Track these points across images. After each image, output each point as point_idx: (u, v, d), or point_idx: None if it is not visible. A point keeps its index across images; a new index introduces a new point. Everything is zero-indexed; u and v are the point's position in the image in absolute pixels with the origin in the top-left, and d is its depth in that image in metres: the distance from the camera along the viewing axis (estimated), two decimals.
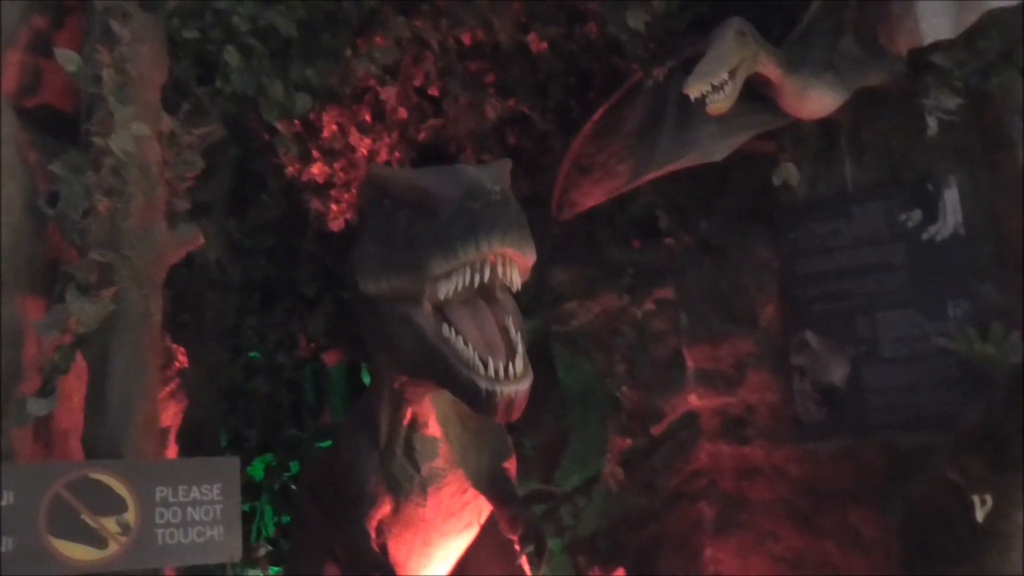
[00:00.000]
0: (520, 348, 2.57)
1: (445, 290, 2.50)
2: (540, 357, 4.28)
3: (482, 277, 2.45)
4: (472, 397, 2.56)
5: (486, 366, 2.50)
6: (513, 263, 2.47)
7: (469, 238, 2.38)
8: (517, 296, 3.68)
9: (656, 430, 3.92)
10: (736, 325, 3.77)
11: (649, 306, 3.98)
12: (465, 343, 2.55)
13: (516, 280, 2.54)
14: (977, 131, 3.46)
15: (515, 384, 2.51)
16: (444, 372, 2.59)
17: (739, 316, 3.77)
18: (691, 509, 3.80)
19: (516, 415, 2.61)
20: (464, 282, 2.47)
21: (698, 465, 3.81)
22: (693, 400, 3.83)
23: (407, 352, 2.70)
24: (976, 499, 2.35)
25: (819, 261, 3.67)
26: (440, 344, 2.57)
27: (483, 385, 2.50)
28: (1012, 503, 2.42)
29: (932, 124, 3.35)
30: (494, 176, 2.59)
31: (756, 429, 3.71)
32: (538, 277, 4.29)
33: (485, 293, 2.60)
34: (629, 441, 3.93)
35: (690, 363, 3.83)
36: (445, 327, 2.56)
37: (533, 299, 4.28)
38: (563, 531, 4.10)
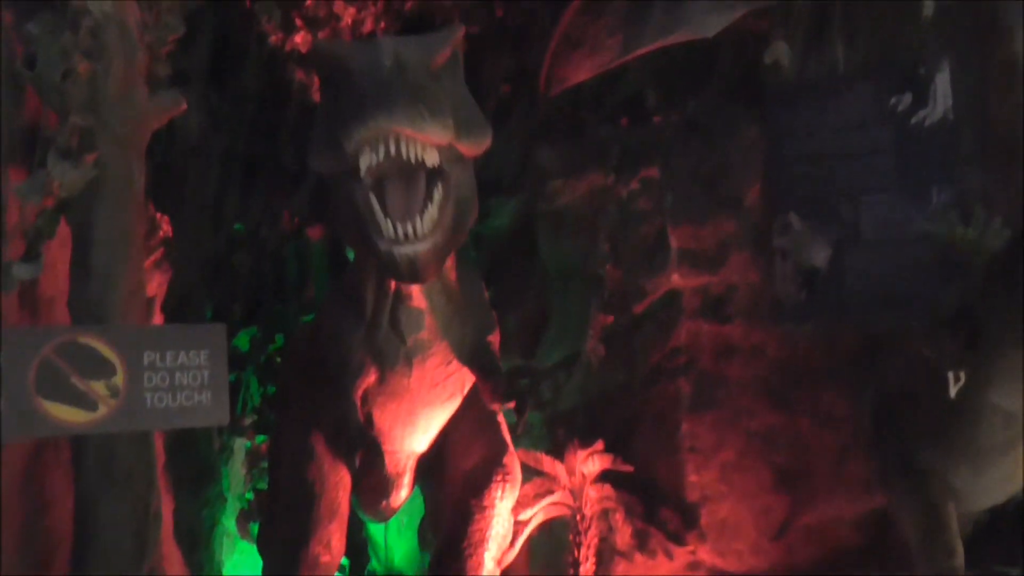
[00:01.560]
0: (431, 211, 2.64)
1: (364, 164, 2.58)
2: (524, 235, 4.29)
3: (388, 152, 2.51)
4: (380, 259, 2.70)
5: (395, 230, 2.62)
6: (415, 139, 2.51)
7: (358, 117, 2.45)
8: (500, 173, 3.70)
9: (638, 308, 3.97)
10: (720, 206, 3.77)
11: (634, 185, 3.97)
12: (385, 213, 2.64)
13: (429, 156, 2.59)
14: (971, 16, 3.40)
15: (413, 244, 2.62)
16: (365, 239, 2.70)
17: (724, 197, 3.77)
18: (670, 386, 3.87)
19: (425, 277, 2.74)
20: (377, 157, 2.54)
21: (678, 343, 3.86)
22: (675, 279, 3.85)
23: (345, 223, 2.79)
24: (951, 376, 2.42)
25: (806, 143, 3.65)
26: (364, 213, 2.65)
27: (383, 247, 2.64)
28: (985, 379, 2.49)
29: (928, 7, 3.29)
30: (420, 47, 2.60)
31: (736, 309, 3.76)
32: (523, 155, 4.27)
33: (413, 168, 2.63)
34: (611, 319, 3.98)
35: (674, 243, 3.84)
36: (372, 198, 2.64)
37: (518, 177, 4.26)
38: (544, 406, 4.20)
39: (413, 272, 2.75)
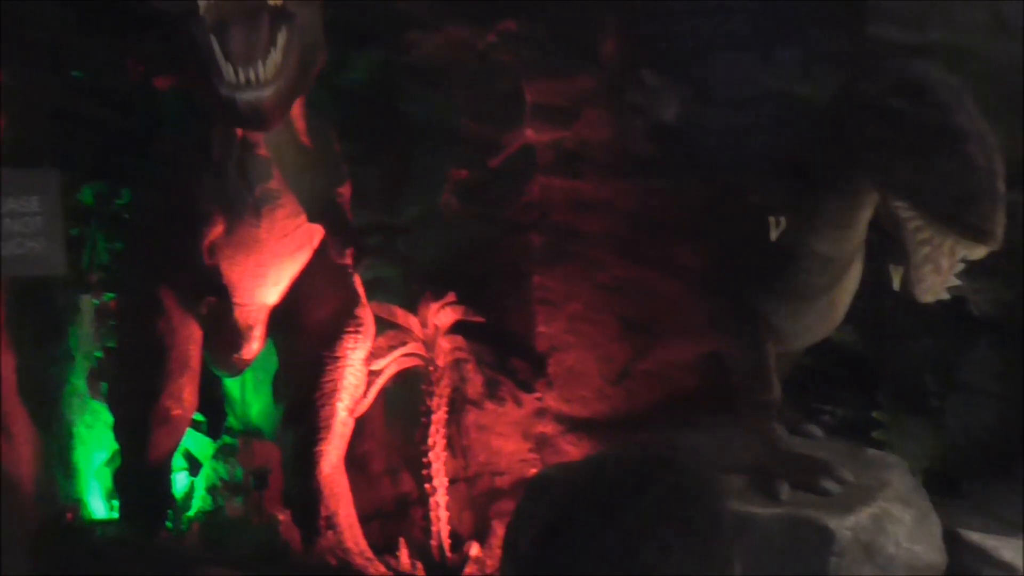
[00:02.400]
0: (274, 56, 2.60)
1: (203, 1, 2.51)
2: (383, 88, 4.21)
3: None
4: (222, 105, 2.63)
5: (236, 74, 2.56)
6: None
7: None
8: (357, 23, 3.58)
9: (493, 162, 3.98)
10: (577, 60, 3.76)
11: (492, 38, 3.91)
12: (226, 56, 2.57)
13: None
14: None
15: (256, 90, 2.57)
16: (207, 84, 2.63)
17: (580, 52, 3.76)
18: (523, 239, 3.94)
19: (269, 124, 2.71)
20: None
21: (531, 198, 3.90)
22: (530, 134, 3.86)
23: (187, 67, 2.73)
24: (772, 220, 2.54)
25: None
26: (205, 56, 2.59)
27: (224, 92, 2.58)
28: (806, 226, 2.63)
29: None
30: None
31: (589, 164, 3.81)
32: (381, 3, 4.14)
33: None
34: (465, 173, 3.99)
35: (528, 97, 3.83)
36: (213, 40, 2.57)
37: (374, 27, 4.14)
38: (401, 260, 4.22)
39: (256, 119, 2.70)
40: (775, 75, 3.35)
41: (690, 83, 3.58)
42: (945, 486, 3.14)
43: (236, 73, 2.57)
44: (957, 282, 2.38)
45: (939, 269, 2.35)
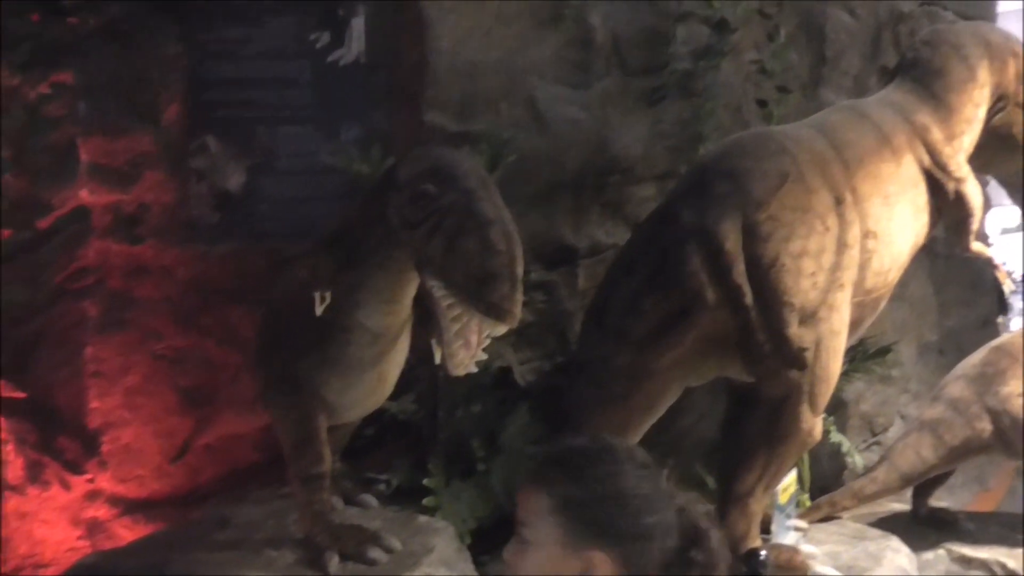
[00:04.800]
0: None
1: None
2: None
3: None
4: None
5: None
6: None
7: None
8: None
9: (43, 223, 3.66)
10: (137, 120, 3.61)
11: (45, 89, 3.64)
12: None
13: None
14: None
15: None
16: None
17: (141, 111, 3.61)
18: (75, 306, 3.65)
19: None
20: None
21: (86, 262, 3.64)
22: (84, 195, 3.62)
23: None
24: (317, 296, 2.58)
25: (228, 66, 3.64)
26: None
27: None
28: (353, 301, 2.70)
29: None
30: None
31: (148, 228, 3.64)
32: None
33: None
34: (8, 233, 3.63)
35: (84, 155, 3.59)
36: None
37: None
38: None
39: None
40: (335, 150, 3.44)
41: (252, 151, 3.58)
42: (491, 545, 3.34)
43: None
44: (484, 356, 2.56)
45: (469, 345, 2.51)
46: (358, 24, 3.65)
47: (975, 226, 3.59)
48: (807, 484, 4.27)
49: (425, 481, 3.29)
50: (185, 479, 3.69)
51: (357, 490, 3.31)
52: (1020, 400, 4.00)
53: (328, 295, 2.60)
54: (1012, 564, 3.89)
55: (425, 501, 3.26)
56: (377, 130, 3.59)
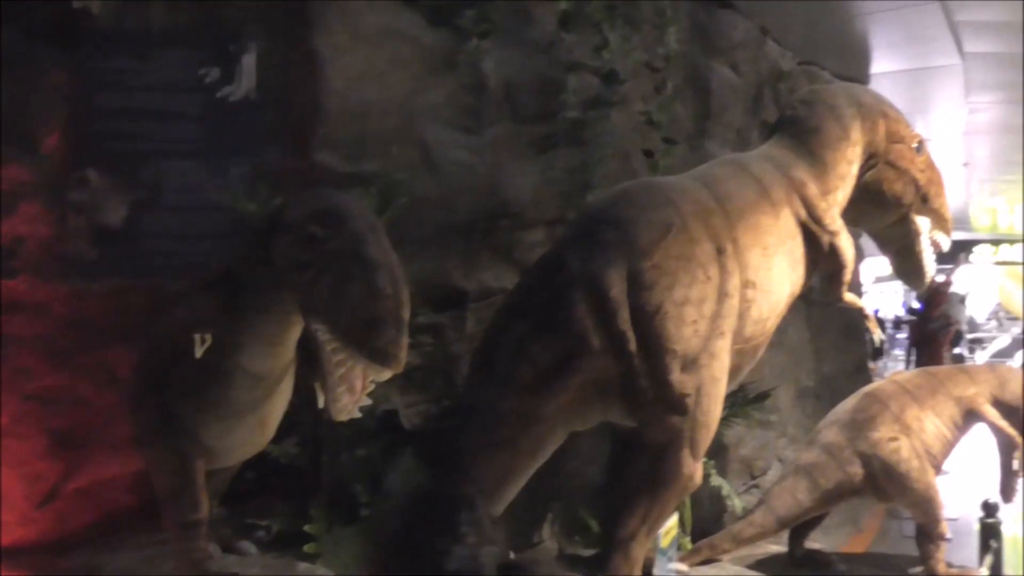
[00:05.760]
0: None
1: None
2: None
3: None
4: None
5: None
6: None
7: None
8: None
9: None
10: (14, 149, 3.47)
11: None
12: None
13: None
14: (283, 6, 3.63)
15: None
16: None
17: (19, 140, 3.47)
18: None
19: None
20: None
21: None
22: None
23: None
24: (197, 337, 2.53)
25: (114, 98, 3.55)
26: None
27: None
28: (235, 343, 2.65)
29: None
30: None
31: (23, 262, 3.49)
32: None
33: None
34: None
35: None
36: None
37: None
38: None
39: None
40: (221, 188, 3.38)
41: (136, 186, 3.49)
42: None
43: None
44: (368, 401, 2.55)
45: (353, 389, 2.50)
46: (249, 61, 3.61)
47: (848, 277, 3.76)
48: (688, 527, 4.36)
49: (306, 527, 3.23)
50: (53, 525, 3.51)
51: (236, 537, 3.23)
52: (889, 445, 4.18)
53: (209, 337, 2.55)
54: None
55: (306, 548, 3.20)
56: (266, 168, 3.54)
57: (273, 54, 3.65)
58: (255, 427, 2.86)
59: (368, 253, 2.43)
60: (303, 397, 2.95)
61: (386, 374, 2.47)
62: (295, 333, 2.72)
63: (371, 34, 3.67)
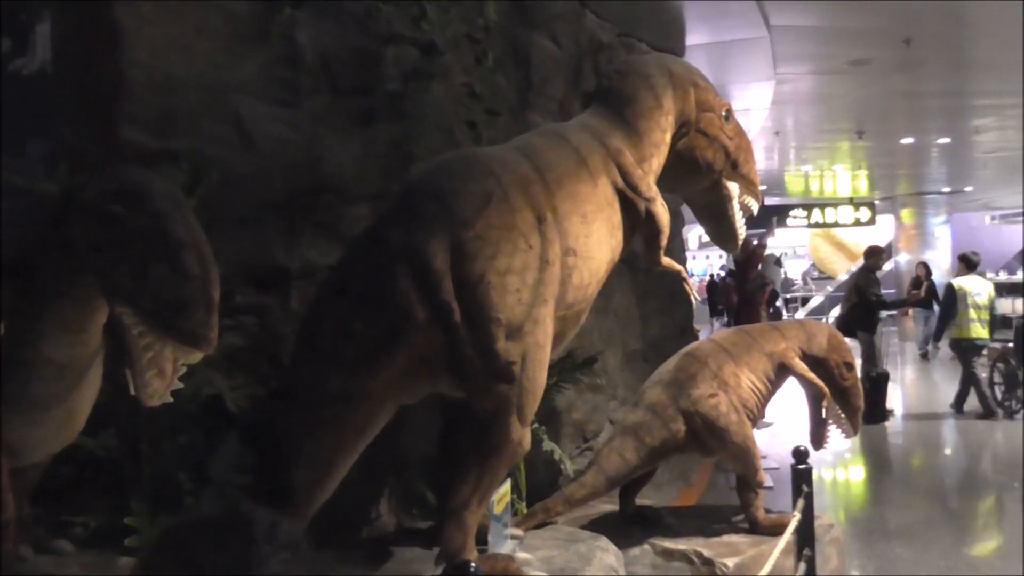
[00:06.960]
0: None
1: None
2: None
3: None
4: None
5: None
6: None
7: None
8: None
9: None
10: None
11: None
12: None
13: None
14: None
15: None
16: None
17: None
18: None
19: None
20: None
21: None
22: None
23: None
24: None
25: None
26: None
27: None
28: (36, 332, 2.50)
29: None
30: None
31: None
32: None
33: None
34: None
35: None
36: None
37: None
38: None
39: None
40: (17, 167, 3.16)
41: None
42: None
43: None
44: (180, 385, 2.46)
45: (163, 373, 2.40)
46: (43, 31, 3.38)
47: (664, 242, 3.89)
48: (524, 492, 4.44)
49: (127, 520, 3.09)
50: None
51: (50, 536, 3.06)
52: (709, 401, 4.37)
53: (3, 326, 2.39)
54: (707, 552, 4.23)
55: (127, 541, 3.06)
56: (66, 146, 3.34)
57: (70, 23, 3.44)
58: (62, 419, 2.71)
59: (172, 232, 2.34)
60: (118, 385, 2.82)
61: (196, 356, 2.39)
62: (100, 318, 2.59)
63: (176, 2, 3.51)
